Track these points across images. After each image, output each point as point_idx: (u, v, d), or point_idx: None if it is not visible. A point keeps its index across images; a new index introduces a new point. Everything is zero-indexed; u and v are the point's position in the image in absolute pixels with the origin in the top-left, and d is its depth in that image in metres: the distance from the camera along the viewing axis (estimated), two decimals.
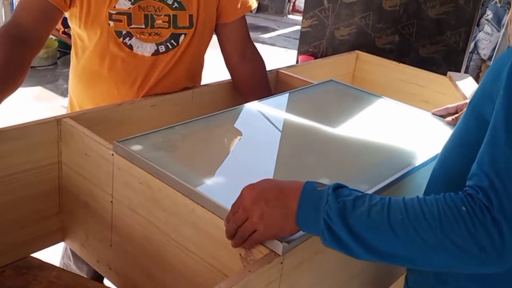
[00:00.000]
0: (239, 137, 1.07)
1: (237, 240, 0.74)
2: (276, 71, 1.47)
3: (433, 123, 1.18)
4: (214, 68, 1.76)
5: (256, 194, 0.72)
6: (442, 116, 1.24)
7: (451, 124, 1.21)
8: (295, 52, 2.47)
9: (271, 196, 0.72)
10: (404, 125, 1.19)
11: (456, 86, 1.51)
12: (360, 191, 0.72)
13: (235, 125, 1.11)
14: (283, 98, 1.24)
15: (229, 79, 1.36)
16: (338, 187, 0.71)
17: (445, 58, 2.13)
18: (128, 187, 0.93)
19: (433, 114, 1.25)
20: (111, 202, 0.97)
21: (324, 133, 1.10)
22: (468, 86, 1.50)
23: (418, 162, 0.99)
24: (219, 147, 1.03)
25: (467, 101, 1.19)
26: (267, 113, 1.16)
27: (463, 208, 0.64)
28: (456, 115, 1.20)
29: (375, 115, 1.22)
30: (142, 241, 0.93)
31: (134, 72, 1.19)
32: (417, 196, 0.69)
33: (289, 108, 1.20)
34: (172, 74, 1.22)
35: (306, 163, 0.99)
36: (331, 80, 1.37)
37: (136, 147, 0.93)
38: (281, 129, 1.12)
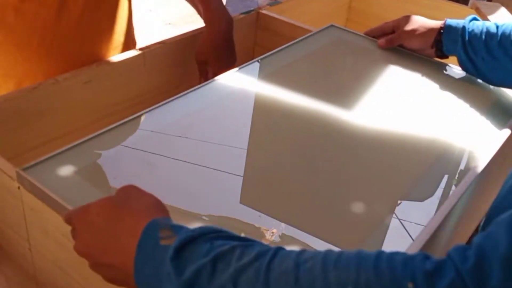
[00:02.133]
0: (216, 144, 0.72)
1: None
2: (256, 13, 1.10)
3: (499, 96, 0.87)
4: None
5: (81, 233, 0.48)
6: (376, 38, 0.98)
7: (383, 47, 0.95)
8: None
9: (98, 244, 0.46)
10: (450, 99, 0.86)
11: (485, 19, 1.18)
12: (233, 237, 0.43)
13: (207, 117, 0.76)
14: (271, 61, 0.89)
15: (194, 30, 1.00)
16: (187, 242, 0.42)
17: None
18: (48, 237, 0.60)
19: (366, 35, 0.99)
20: (29, 250, 0.65)
21: (337, 120, 0.77)
22: (501, 19, 1.17)
23: (480, 165, 0.68)
24: (188, 169, 0.67)
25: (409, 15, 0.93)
26: (252, 89, 0.82)
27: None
28: (390, 37, 0.94)
29: (402, 82, 0.89)
30: None
31: (38, 29, 0.80)
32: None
33: (283, 78, 0.86)
34: (97, 24, 0.83)
35: (322, 172, 0.68)
36: (331, 25, 1.02)
37: (54, 177, 0.59)
38: (275, 117, 0.78)
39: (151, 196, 0.49)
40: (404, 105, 0.82)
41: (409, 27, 0.93)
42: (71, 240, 0.56)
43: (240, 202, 0.62)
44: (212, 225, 0.45)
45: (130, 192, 0.48)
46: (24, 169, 0.59)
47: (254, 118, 0.77)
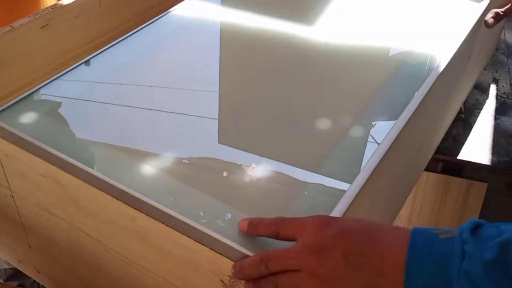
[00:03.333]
0: (184, 87, 0.72)
1: None
2: None
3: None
4: None
5: (334, 235, 0.41)
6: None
7: (491, 26, 0.84)
8: None
9: (355, 247, 0.40)
10: (413, 8, 0.87)
11: None
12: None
13: (167, 52, 0.76)
14: None
15: None
16: (477, 226, 0.39)
17: None
18: (27, 180, 0.61)
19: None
20: (11, 196, 0.66)
21: (305, 41, 0.77)
22: None
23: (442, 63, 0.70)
24: (155, 99, 0.67)
25: None
26: (213, 17, 0.82)
27: None
28: (502, 10, 0.83)
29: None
30: (69, 247, 0.64)
31: None
32: None
33: (239, 5, 0.85)
34: None
35: (288, 93, 0.69)
36: None
37: (24, 120, 0.59)
38: (241, 44, 0.78)
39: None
40: (368, 16, 0.83)
41: None
42: (52, 180, 0.57)
43: (219, 142, 0.62)
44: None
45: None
46: None
47: (221, 47, 0.77)
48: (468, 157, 1.00)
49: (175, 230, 0.49)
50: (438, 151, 1.00)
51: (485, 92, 1.14)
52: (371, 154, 0.57)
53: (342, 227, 0.41)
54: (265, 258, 0.42)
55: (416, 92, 0.66)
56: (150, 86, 0.69)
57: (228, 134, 0.63)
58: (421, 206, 1.15)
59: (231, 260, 0.45)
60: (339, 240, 0.41)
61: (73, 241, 0.62)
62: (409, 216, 1.17)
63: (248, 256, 0.44)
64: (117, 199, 0.52)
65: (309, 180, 0.56)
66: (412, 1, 0.87)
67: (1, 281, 1.14)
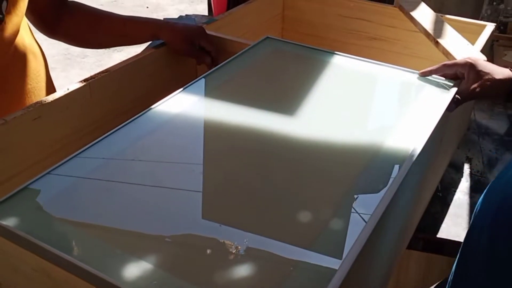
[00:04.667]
0: (170, 163, 0.75)
1: None
2: None
3: (427, 89, 0.94)
4: None
5: None
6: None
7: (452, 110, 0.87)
8: None
9: None
10: (389, 100, 0.93)
11: (409, 16, 1.26)
12: None
13: (159, 139, 0.79)
14: (213, 78, 0.93)
15: (136, 55, 1.03)
16: None
17: None
18: (18, 273, 0.62)
19: (422, 75, 0.94)
20: None
21: (283, 127, 0.82)
22: (423, 14, 1.26)
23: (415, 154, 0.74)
24: (147, 192, 0.69)
25: (469, 58, 0.89)
26: (198, 107, 0.86)
27: None
28: (460, 96, 0.87)
29: (340, 85, 0.95)
30: None
31: None
32: None
33: (226, 93, 0.90)
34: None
35: (272, 189, 0.72)
36: (267, 37, 1.07)
37: (16, 215, 0.61)
38: (225, 131, 0.82)
39: None
40: (344, 107, 0.88)
41: (478, 81, 0.86)
42: (43, 274, 0.58)
43: (203, 218, 0.65)
44: None
45: None
46: None
47: (205, 134, 0.81)
48: (447, 235, 1.03)
49: None
50: (418, 229, 1.03)
51: (459, 170, 1.19)
52: (356, 238, 0.59)
53: None
54: None
55: (392, 180, 0.70)
56: (133, 159, 0.72)
57: (212, 210, 0.66)
58: (404, 284, 1.16)
59: None
60: None
61: None
62: None
63: None
64: None
65: (295, 258, 0.59)
66: (383, 90, 0.93)
67: None
